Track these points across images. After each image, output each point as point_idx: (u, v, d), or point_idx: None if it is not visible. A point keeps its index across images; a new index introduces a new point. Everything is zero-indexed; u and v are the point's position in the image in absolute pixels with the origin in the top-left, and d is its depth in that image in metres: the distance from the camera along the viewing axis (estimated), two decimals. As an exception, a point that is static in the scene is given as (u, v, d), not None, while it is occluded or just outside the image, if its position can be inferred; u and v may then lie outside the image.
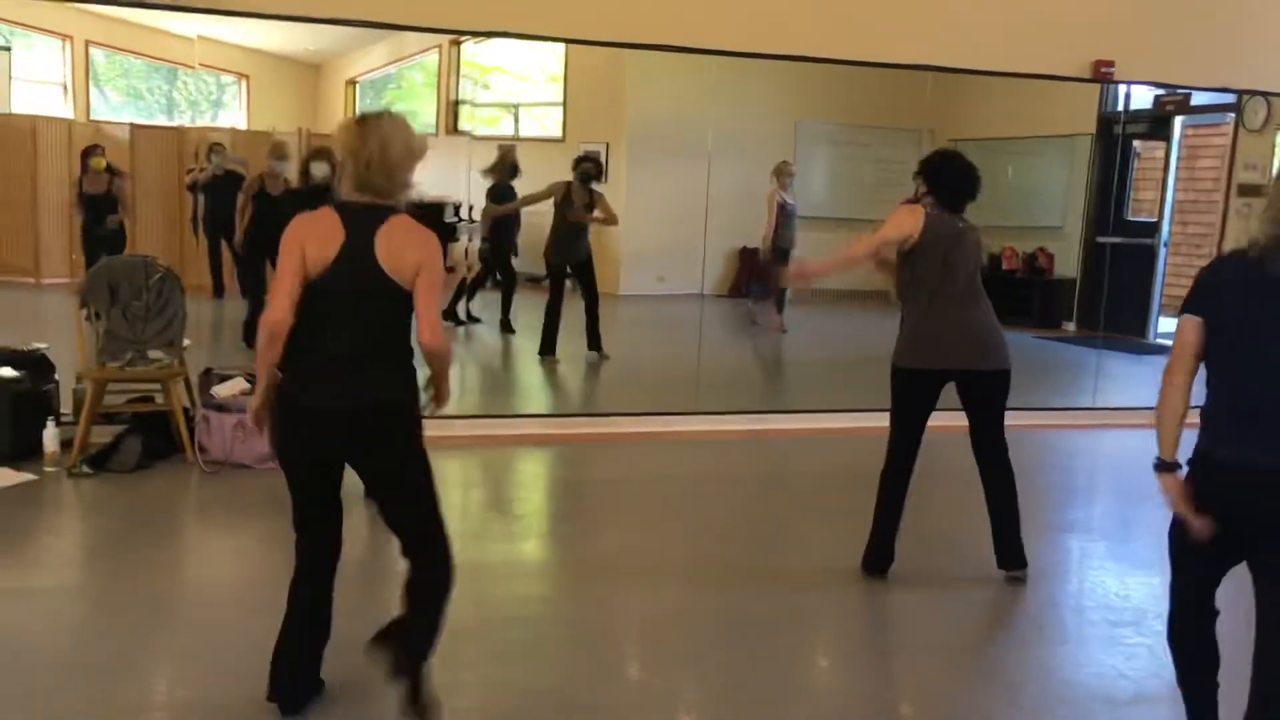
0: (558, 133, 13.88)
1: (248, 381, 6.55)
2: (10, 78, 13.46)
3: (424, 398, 3.43)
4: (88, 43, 14.81)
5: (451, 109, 14.72)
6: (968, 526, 5.45)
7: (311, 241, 3.28)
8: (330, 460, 3.44)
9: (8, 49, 14.00)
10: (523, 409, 8.55)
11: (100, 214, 9.56)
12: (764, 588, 4.80)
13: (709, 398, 8.46)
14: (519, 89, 14.80)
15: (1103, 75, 7.79)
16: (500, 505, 6.13)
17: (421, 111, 15.58)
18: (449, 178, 10.84)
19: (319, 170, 6.90)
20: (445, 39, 14.30)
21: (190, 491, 5.79)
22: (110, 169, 9.57)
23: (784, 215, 11.06)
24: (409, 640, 3.42)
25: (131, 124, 13.18)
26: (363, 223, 3.26)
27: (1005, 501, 5.02)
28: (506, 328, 10.30)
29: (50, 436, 5.80)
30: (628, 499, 6.13)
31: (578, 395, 9.51)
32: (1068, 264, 12.93)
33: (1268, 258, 2.84)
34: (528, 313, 10.76)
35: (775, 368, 11.82)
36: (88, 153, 9.62)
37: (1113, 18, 7.65)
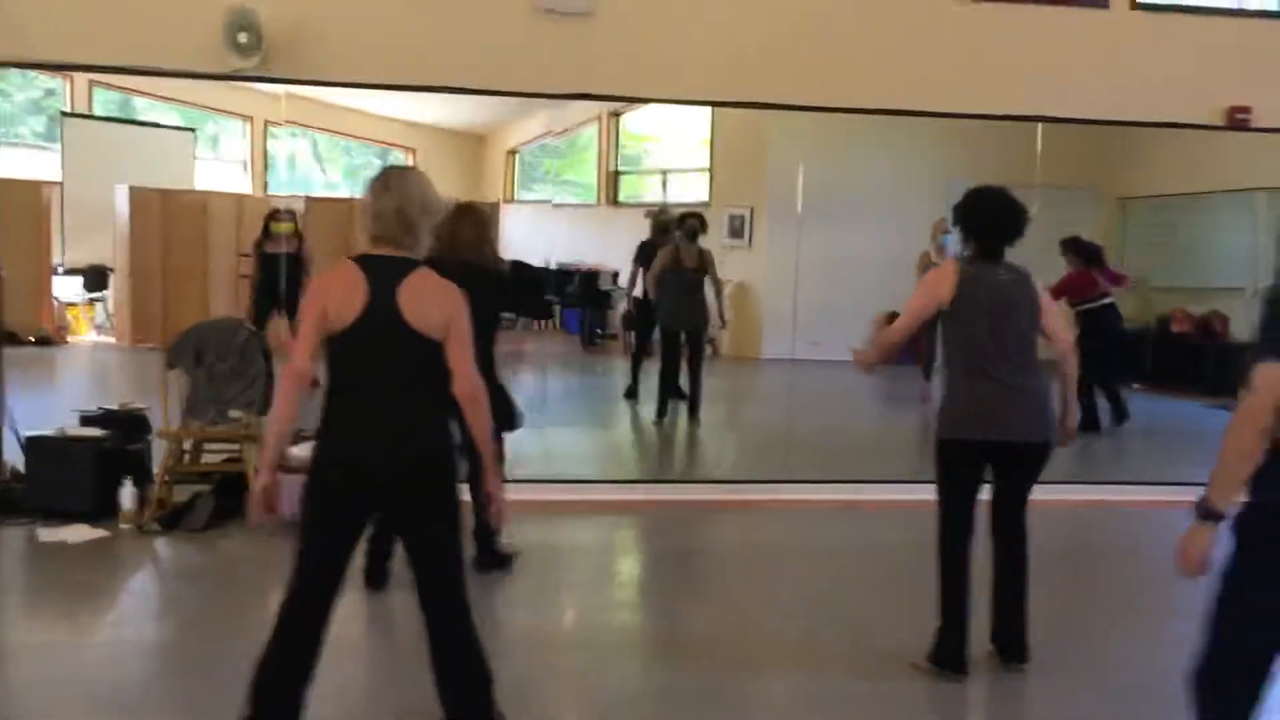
0: (705, 197, 13.60)
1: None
2: (194, 157, 14.11)
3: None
4: (266, 122, 15.42)
5: (611, 179, 14.63)
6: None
7: (334, 296, 3.11)
8: (363, 515, 3.23)
9: (191, 130, 14.71)
10: (631, 474, 8.14)
11: (276, 274, 9.70)
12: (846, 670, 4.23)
13: (843, 465, 7.84)
14: (670, 156, 14.62)
15: (1238, 122, 6.96)
16: (607, 575, 5.73)
17: (582, 181, 15.59)
18: (609, 245, 10.62)
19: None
20: (604, 110, 14.27)
21: (248, 551, 5.51)
22: (297, 233, 9.73)
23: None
24: None
25: (307, 196, 13.60)
26: (385, 276, 3.09)
27: (1017, 584, 4.25)
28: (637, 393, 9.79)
29: (127, 494, 5.73)
30: (746, 569, 5.67)
31: (687, 461, 9.00)
32: (1246, 327, 11.80)
33: None
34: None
35: (923, 437, 11.10)
36: (273, 216, 9.82)
37: (1249, 62, 6.81)
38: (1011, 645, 4.25)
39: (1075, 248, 9.56)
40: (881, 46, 6.72)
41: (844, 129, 10.63)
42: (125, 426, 6.04)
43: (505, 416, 5.32)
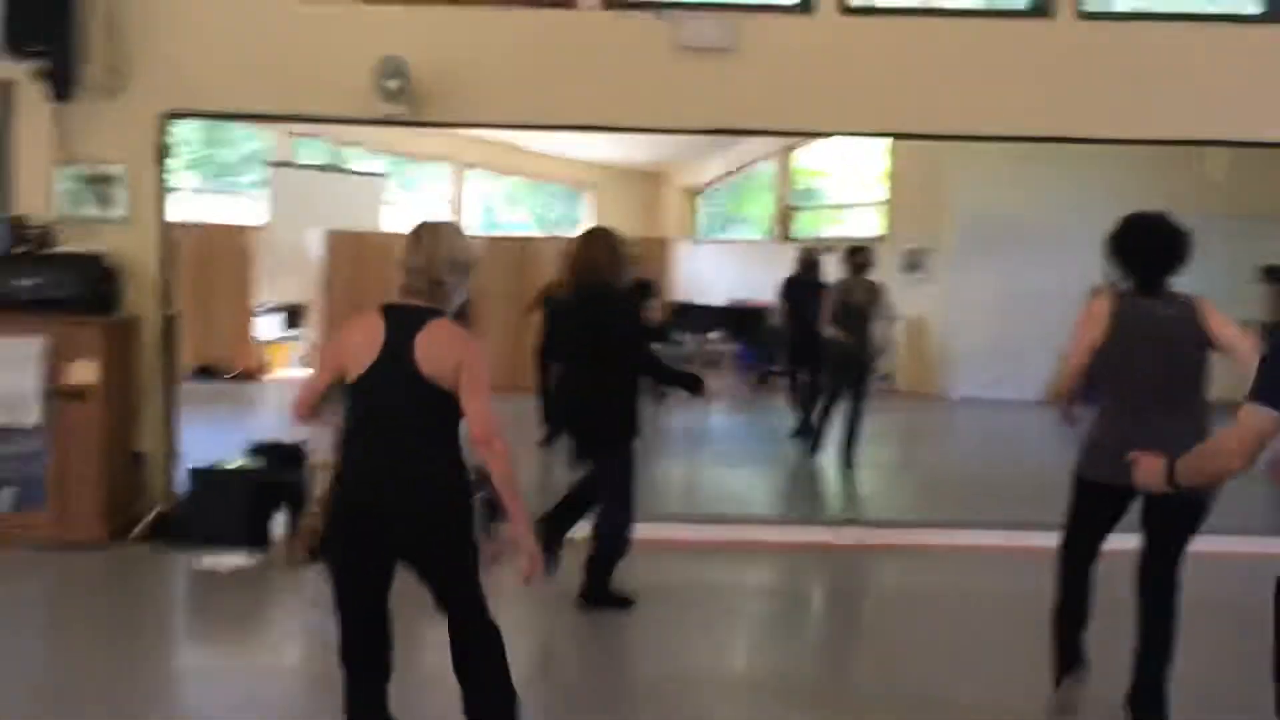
0: (879, 231, 13.29)
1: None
2: (380, 201, 14.71)
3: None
4: (466, 165, 15.95)
5: (784, 214, 14.51)
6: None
7: (353, 342, 3.20)
8: (381, 556, 3.20)
9: (384, 175, 15.34)
10: (785, 513, 7.88)
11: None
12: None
13: (1010, 507, 7.39)
14: (844, 191, 14.41)
15: None
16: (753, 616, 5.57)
17: (754, 218, 15.52)
18: (776, 279, 10.47)
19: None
20: (779, 146, 14.19)
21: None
22: None
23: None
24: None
25: (486, 236, 14.01)
26: (404, 325, 3.14)
27: (1159, 647, 3.86)
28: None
29: (278, 524, 6.01)
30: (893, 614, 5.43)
31: (845, 501, 8.64)
32: None
33: None
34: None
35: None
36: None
37: None
38: (1146, 713, 3.90)
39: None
40: (1059, 71, 6.36)
41: (1026, 159, 10.25)
42: (283, 458, 6.26)
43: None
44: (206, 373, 12.16)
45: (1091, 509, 3.93)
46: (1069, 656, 3.94)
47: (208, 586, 5.60)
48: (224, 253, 13.05)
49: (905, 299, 12.45)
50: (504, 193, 17.74)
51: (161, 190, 6.30)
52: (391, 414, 3.14)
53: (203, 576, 5.65)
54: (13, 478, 5.94)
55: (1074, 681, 3.96)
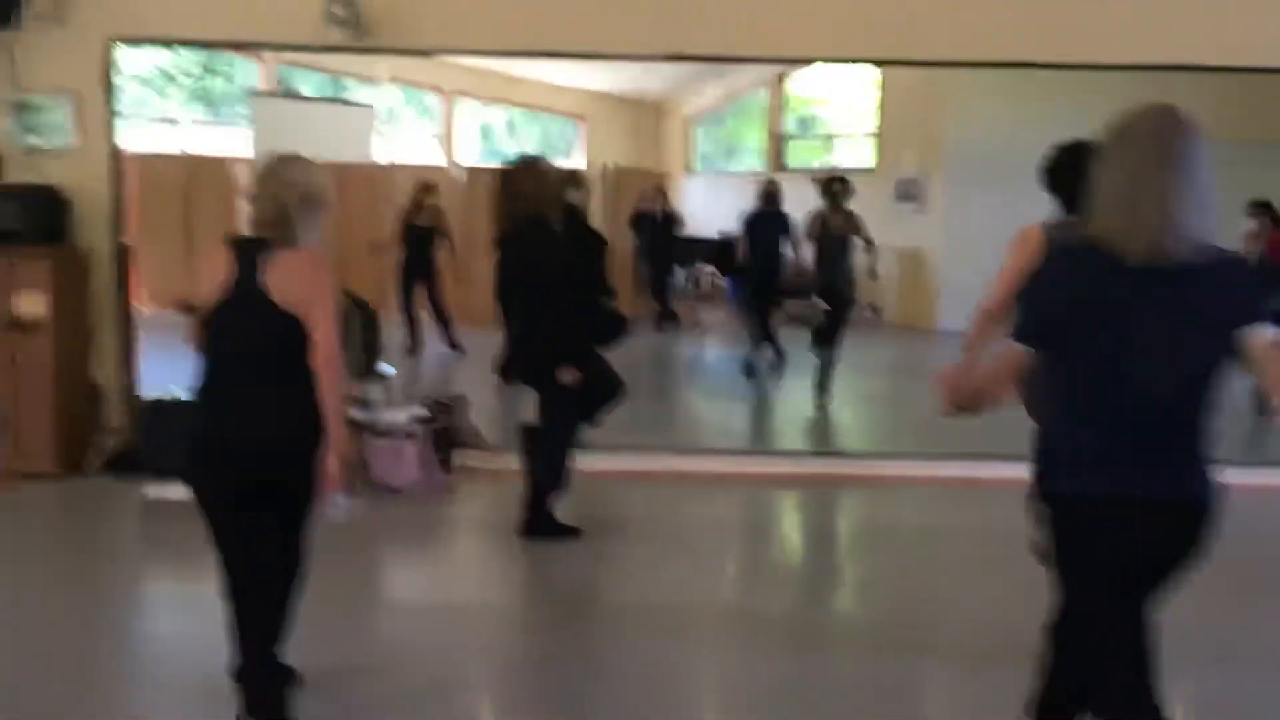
0: (872, 163, 13.08)
1: (425, 407, 6.52)
2: (372, 133, 14.56)
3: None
4: (455, 93, 15.76)
5: (777, 144, 14.30)
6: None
7: (206, 276, 3.21)
8: (241, 490, 3.18)
9: (371, 107, 15.17)
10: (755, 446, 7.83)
11: (424, 247, 10.01)
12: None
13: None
14: (838, 121, 14.17)
15: None
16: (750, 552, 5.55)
17: (751, 148, 15.30)
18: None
19: (573, 196, 6.77)
20: (772, 75, 13.94)
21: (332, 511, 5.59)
22: (438, 207, 9.99)
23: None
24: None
25: (469, 167, 13.90)
26: (253, 256, 3.14)
27: None
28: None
29: (231, 456, 6.00)
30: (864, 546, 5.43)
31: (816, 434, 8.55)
32: None
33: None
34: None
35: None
36: (423, 189, 10.07)
37: None
38: None
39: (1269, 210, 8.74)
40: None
41: (1024, 85, 10.03)
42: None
43: (607, 388, 5.24)
44: (192, 307, 12.13)
45: None
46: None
47: (158, 517, 5.60)
48: (211, 185, 12.98)
49: (898, 230, 12.34)
50: (503, 123, 17.56)
51: (110, 119, 6.23)
52: (245, 343, 3.17)
53: (154, 507, 5.66)
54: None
55: None
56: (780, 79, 13.90)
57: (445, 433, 6.27)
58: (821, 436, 8.25)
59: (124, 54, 6.31)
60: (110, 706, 3.57)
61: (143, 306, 12.80)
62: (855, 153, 13.62)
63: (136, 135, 14.38)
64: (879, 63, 9.13)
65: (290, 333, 3.10)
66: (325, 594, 4.29)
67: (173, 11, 6.08)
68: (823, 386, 8.62)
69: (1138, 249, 2.36)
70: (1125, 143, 2.43)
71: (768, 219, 9.23)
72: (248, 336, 3.15)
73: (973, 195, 11.76)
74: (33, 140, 6.17)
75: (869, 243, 8.88)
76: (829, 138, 14.24)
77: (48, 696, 3.61)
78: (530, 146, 17.68)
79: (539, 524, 5.11)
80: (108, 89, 6.19)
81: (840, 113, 14.16)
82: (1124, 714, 2.54)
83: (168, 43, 7.07)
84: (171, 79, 16.85)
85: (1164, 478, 2.44)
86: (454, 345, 9.90)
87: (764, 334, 9.46)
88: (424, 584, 5.03)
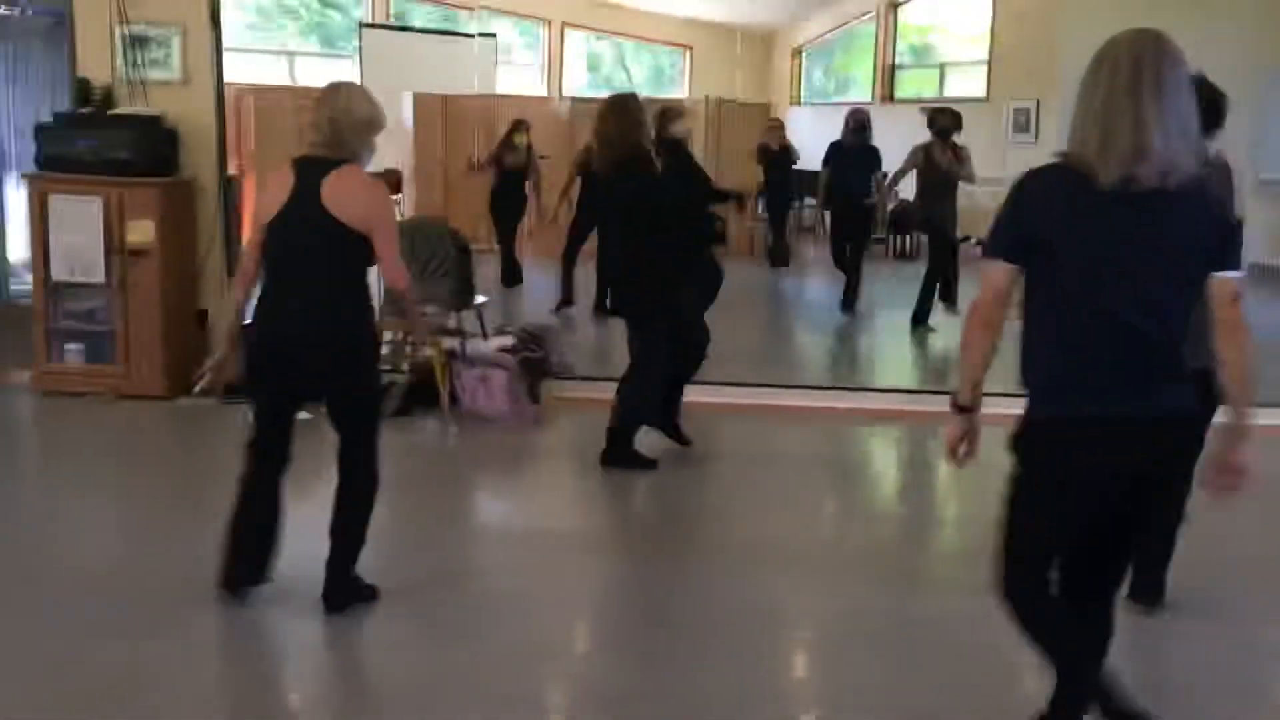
0: (983, 92, 12.74)
1: (515, 338, 6.65)
2: (491, 64, 14.66)
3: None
4: (564, 24, 15.80)
5: (887, 75, 14.00)
6: None
7: (268, 194, 3.51)
8: (292, 383, 3.55)
9: (493, 36, 15.25)
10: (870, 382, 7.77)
11: (516, 185, 10.10)
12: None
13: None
14: (949, 50, 13.81)
15: None
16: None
17: (859, 79, 14.99)
18: (883, 144, 10.15)
19: (678, 129, 6.79)
20: (882, 2, 13.65)
21: (421, 437, 5.86)
22: (528, 145, 10.01)
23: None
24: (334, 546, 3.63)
25: (573, 98, 13.97)
26: (312, 172, 3.42)
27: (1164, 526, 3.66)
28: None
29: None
30: None
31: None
32: None
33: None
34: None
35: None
36: (514, 127, 10.11)
37: None
38: (1141, 586, 3.84)
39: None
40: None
41: (1147, 8, 9.64)
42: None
43: (696, 339, 5.37)
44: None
45: None
46: None
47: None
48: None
49: (1011, 161, 12.05)
50: (612, 54, 17.53)
51: (216, 52, 6.43)
52: (302, 253, 3.45)
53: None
54: (82, 333, 6.28)
55: None
56: (891, 7, 13.61)
57: (534, 363, 6.40)
58: (920, 373, 8.18)
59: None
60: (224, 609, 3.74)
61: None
62: (967, 82, 13.30)
63: (252, 67, 14.80)
64: None
65: (342, 240, 3.39)
66: (407, 515, 4.49)
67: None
68: (917, 319, 8.58)
69: (1109, 172, 2.37)
70: (1103, 67, 2.42)
71: (853, 151, 9.07)
72: (305, 242, 3.42)
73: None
74: (147, 73, 6.38)
75: (969, 180, 8.71)
76: (940, 67, 13.91)
77: (164, 599, 3.82)
78: (640, 77, 17.67)
79: (619, 455, 5.22)
80: (214, 23, 6.38)
81: (952, 40, 13.81)
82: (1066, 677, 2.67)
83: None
84: (292, 12, 17.22)
85: (1140, 397, 2.48)
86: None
87: (844, 269, 9.42)
88: (504, 509, 5.18)
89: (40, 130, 6.28)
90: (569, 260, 9.02)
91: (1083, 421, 2.50)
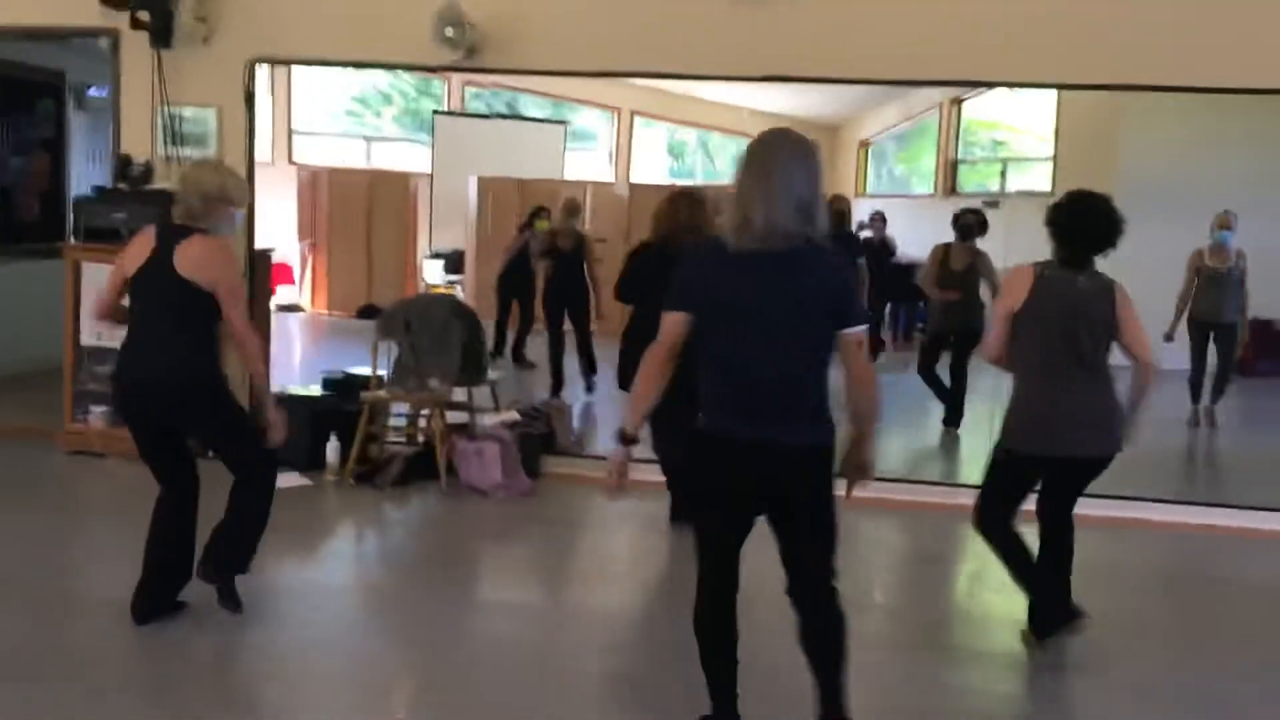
0: (1048, 186, 12.66)
1: (519, 415, 6.79)
2: (559, 148, 15.09)
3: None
4: (633, 113, 16.16)
5: (949, 168, 14.01)
6: None
7: (133, 252, 4.12)
8: (150, 423, 4.18)
9: (563, 123, 15.70)
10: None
11: (569, 269, 10.10)
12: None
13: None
14: (1014, 145, 13.78)
15: None
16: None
17: (923, 172, 15.02)
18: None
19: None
20: (946, 98, 13.69)
21: (413, 508, 6.04)
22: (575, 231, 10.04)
23: (1202, 279, 9.16)
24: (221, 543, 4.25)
25: (634, 184, 14.24)
26: (170, 237, 4.05)
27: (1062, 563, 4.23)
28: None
29: (331, 449, 6.42)
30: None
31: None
32: None
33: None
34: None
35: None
36: (536, 214, 10.20)
37: None
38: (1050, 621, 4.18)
39: None
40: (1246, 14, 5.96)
41: (1210, 111, 9.58)
42: (344, 388, 6.70)
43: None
44: (370, 311, 12.86)
45: (1016, 474, 4.14)
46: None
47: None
48: (385, 199, 13.73)
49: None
50: (686, 142, 17.85)
51: (249, 131, 6.80)
52: (155, 305, 4.07)
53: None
54: (107, 395, 6.59)
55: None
56: (955, 102, 13.68)
57: (534, 438, 6.53)
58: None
59: (343, 76, 6.86)
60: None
61: (324, 311, 13.71)
62: (1031, 178, 13.27)
63: (335, 150, 15.46)
64: (1054, 86, 8.94)
65: (190, 299, 3.98)
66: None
67: (303, 36, 6.61)
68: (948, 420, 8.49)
69: (741, 241, 2.98)
70: (744, 160, 3.05)
71: (874, 248, 9.01)
72: (158, 299, 4.03)
73: (1144, 223, 11.26)
74: (183, 150, 6.77)
75: (993, 283, 8.59)
76: (1003, 162, 13.90)
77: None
78: (724, 164, 17.94)
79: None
80: (248, 104, 6.76)
81: (1017, 136, 13.82)
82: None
83: (299, 63, 7.62)
84: (388, 99, 17.99)
85: (774, 428, 3.01)
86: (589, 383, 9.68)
87: None
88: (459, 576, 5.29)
89: (78, 204, 6.69)
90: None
91: (720, 440, 3.08)
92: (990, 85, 10.19)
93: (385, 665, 4.13)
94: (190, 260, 3.98)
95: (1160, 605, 5.20)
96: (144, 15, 6.54)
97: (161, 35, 6.61)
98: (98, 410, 6.62)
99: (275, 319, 12.52)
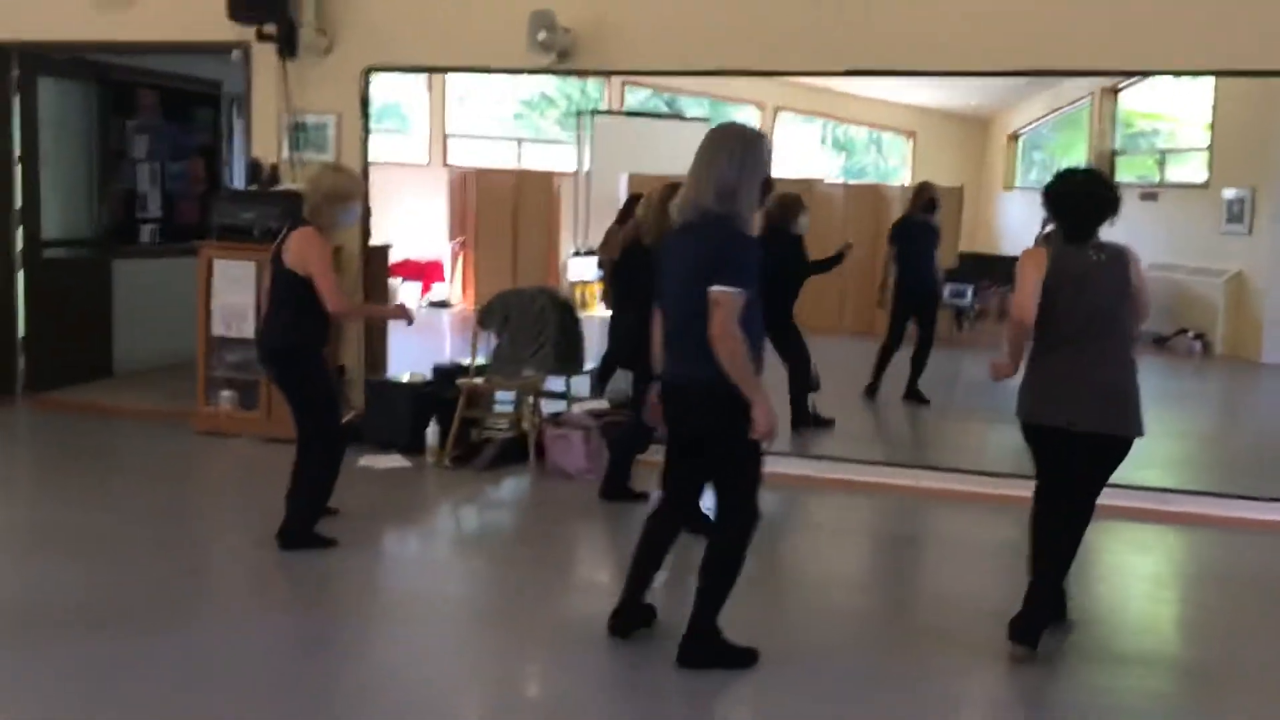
0: (1202, 178, 12.18)
1: (610, 403, 7.07)
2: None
3: None
4: (776, 109, 16.26)
5: (1106, 159, 13.59)
6: None
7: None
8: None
9: (706, 120, 15.92)
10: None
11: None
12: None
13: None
14: (1172, 134, 13.29)
15: None
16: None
17: (1074, 163, 14.63)
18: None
19: (802, 224, 7.44)
20: (1100, 87, 13.32)
21: (503, 490, 6.38)
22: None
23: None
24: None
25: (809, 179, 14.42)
26: (286, 232, 4.97)
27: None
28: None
29: (431, 433, 6.76)
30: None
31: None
32: None
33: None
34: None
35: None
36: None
37: None
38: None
39: None
40: None
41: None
42: (446, 376, 7.12)
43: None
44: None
45: (1039, 452, 4.20)
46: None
47: (363, 481, 6.45)
48: (536, 197, 14.19)
49: (1227, 253, 11.52)
50: (834, 138, 17.86)
51: (364, 136, 7.29)
52: (272, 289, 5.01)
53: (361, 474, 6.57)
54: (234, 381, 7.20)
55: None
56: (1110, 92, 13.30)
57: (619, 426, 6.80)
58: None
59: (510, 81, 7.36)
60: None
61: (473, 306, 14.27)
62: (1187, 169, 12.80)
63: (489, 151, 16.08)
64: (1208, 73, 8.72)
65: (292, 283, 4.83)
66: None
67: (412, 45, 7.08)
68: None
69: (678, 216, 3.79)
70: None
71: (919, 228, 8.72)
72: (273, 283, 4.99)
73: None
74: (306, 153, 7.32)
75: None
76: (1161, 153, 13.44)
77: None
78: (895, 161, 17.86)
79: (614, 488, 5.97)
80: (363, 110, 7.25)
81: (1174, 126, 13.34)
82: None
83: (408, 70, 8.09)
84: (553, 102, 18.63)
85: (679, 368, 3.77)
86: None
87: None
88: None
89: (212, 204, 7.30)
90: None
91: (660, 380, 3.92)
92: (1129, 75, 9.96)
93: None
94: (290, 248, 4.84)
95: None
96: (270, 28, 7.09)
97: (286, 47, 7.15)
98: (226, 395, 7.21)
99: (422, 313, 13.25)
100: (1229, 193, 11.46)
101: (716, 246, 3.59)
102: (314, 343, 4.98)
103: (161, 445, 7.14)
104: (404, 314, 5.35)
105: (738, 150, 3.62)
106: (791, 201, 7.35)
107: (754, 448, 3.71)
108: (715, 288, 3.54)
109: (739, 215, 3.63)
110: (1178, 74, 9.05)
